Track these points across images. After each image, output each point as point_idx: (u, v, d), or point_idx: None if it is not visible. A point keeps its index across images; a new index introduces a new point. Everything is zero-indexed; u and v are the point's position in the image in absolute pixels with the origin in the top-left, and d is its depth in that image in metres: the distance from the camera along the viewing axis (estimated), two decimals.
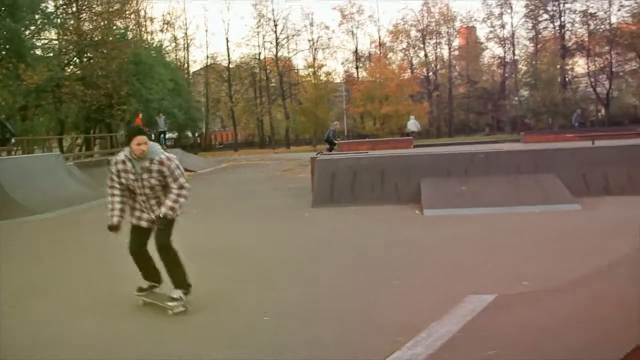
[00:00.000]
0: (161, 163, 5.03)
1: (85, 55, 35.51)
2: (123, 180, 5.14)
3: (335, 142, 29.26)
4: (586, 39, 53.70)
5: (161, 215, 5.03)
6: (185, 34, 54.42)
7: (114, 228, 5.19)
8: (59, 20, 33.64)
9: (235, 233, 9.69)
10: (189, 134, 53.58)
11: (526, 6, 54.42)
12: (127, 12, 39.89)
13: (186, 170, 23.74)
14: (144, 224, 5.23)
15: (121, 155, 5.15)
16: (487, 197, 10.82)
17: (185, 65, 55.43)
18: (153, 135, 29.10)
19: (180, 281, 5.24)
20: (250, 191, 16.03)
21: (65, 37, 34.39)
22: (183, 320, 5.05)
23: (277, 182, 18.13)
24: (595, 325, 3.44)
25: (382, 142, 23.32)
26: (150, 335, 4.78)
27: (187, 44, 54.91)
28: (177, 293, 5.19)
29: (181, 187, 5.09)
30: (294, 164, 24.45)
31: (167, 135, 39.01)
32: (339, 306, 5.35)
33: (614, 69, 53.44)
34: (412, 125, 30.55)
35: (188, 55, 55.73)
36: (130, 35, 38.71)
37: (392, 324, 4.69)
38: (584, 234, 8.09)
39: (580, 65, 56.11)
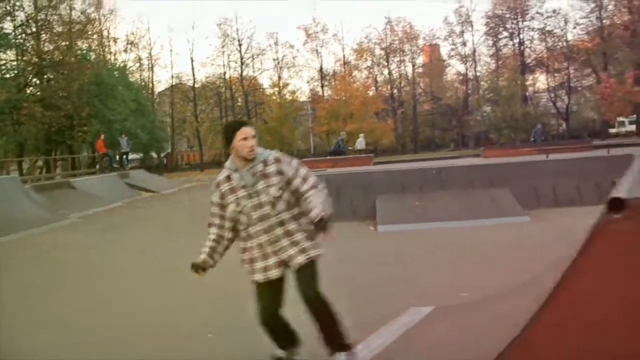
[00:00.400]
0: (278, 161, 3.71)
1: (45, 76, 35.09)
2: (232, 206, 3.69)
3: (346, 151, 28.80)
4: (545, 56, 55.19)
5: (317, 218, 3.54)
6: (150, 54, 54.11)
7: (195, 267, 3.83)
8: (17, 41, 33.25)
9: (188, 251, 9.66)
10: (154, 154, 53.08)
11: (486, 24, 55.72)
12: (89, 33, 39.66)
13: (148, 191, 24.03)
14: (274, 273, 3.71)
15: (223, 173, 3.82)
16: (440, 211, 11.03)
17: (150, 85, 55.14)
18: (117, 156, 29.00)
19: (341, 340, 3.82)
20: (208, 211, 16.02)
21: (24, 58, 34.02)
22: (130, 329, 5.08)
23: None
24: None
25: (342, 159, 23.46)
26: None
27: (152, 64, 54.65)
28: (342, 358, 3.78)
29: (315, 185, 3.72)
30: None
31: (132, 156, 38.76)
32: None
33: (572, 84, 54.97)
34: (358, 143, 31.01)
35: (153, 75, 55.51)
36: (92, 55, 38.50)
37: None
38: (529, 245, 8.29)
39: (540, 81, 57.70)
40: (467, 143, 54.86)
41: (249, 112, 54.81)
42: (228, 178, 3.75)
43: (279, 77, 54.83)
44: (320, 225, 3.56)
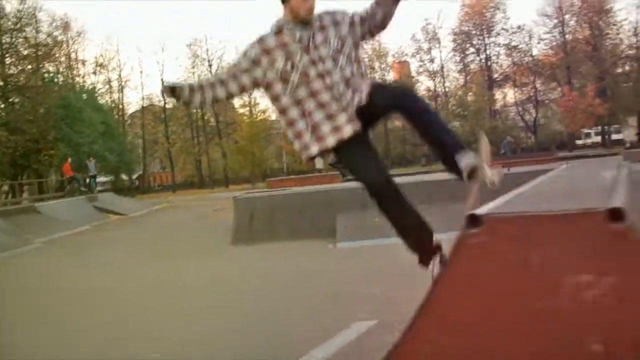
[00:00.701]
0: (332, 13, 3.30)
1: (10, 100, 34.75)
2: (279, 63, 3.17)
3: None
4: (511, 70, 56.40)
5: None
6: (120, 75, 54.07)
7: (166, 86, 3.34)
8: None
9: (147, 273, 9.68)
10: (124, 176, 52.74)
11: (453, 40, 56.84)
12: (57, 55, 39.48)
13: (117, 213, 23.90)
14: (348, 130, 3.15)
15: (270, 31, 3.26)
16: None
17: (121, 107, 55.00)
18: (87, 179, 28.81)
19: (457, 139, 3.31)
20: (175, 232, 16.08)
21: None
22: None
23: (205, 222, 18.18)
24: None
25: (308, 178, 23.64)
26: None
27: (122, 86, 54.59)
28: (468, 157, 3.13)
29: None
30: (226, 203, 24.41)
31: (103, 179, 38.51)
32: (233, 339, 5.46)
33: (539, 98, 56.22)
34: (319, 162, 31.27)
35: (123, 97, 55.38)
36: (60, 78, 38.33)
37: (275, 353, 4.87)
38: None
39: (508, 95, 58.91)
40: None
41: (220, 132, 54.86)
42: (279, 33, 3.21)
43: (250, 97, 55.13)
44: None
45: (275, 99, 3.26)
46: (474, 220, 1.97)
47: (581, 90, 48.57)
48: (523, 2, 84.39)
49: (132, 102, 59.66)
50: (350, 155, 3.22)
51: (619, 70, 53.91)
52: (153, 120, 57.02)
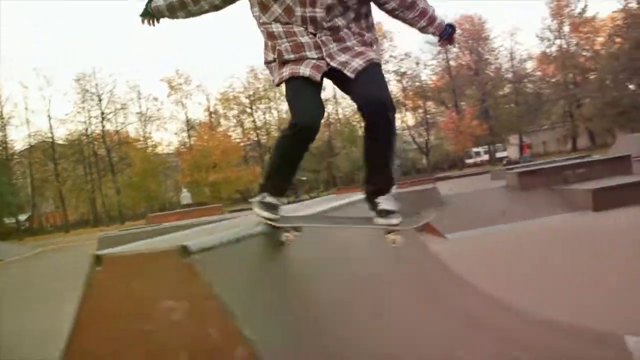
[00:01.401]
0: None
1: None
2: None
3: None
4: (402, 95, 58.80)
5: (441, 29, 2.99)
6: (1, 113, 51.50)
7: (146, 14, 3.13)
8: None
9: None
10: (8, 220, 49.70)
11: None
12: None
13: None
14: (303, 71, 2.83)
15: None
16: None
17: (3, 146, 52.31)
18: None
19: (388, 179, 2.97)
20: (42, 280, 15.57)
21: None
22: None
23: (76, 265, 17.65)
24: None
25: (192, 211, 23.67)
26: None
27: (4, 124, 51.99)
28: (392, 201, 2.92)
29: None
30: None
31: None
32: None
33: (430, 121, 58.80)
34: (184, 198, 31.69)
35: (6, 136, 52.74)
36: None
37: None
38: None
39: (403, 119, 61.22)
40: (337, 184, 56.60)
41: (113, 168, 53.30)
42: None
43: (143, 131, 54.16)
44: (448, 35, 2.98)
45: (254, 18, 2.99)
46: (97, 260, 2.22)
47: (462, 113, 51.51)
48: (408, 31, 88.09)
49: (19, 140, 56.29)
50: (293, 90, 2.88)
51: (500, 92, 57.51)
52: (43, 157, 54.46)
